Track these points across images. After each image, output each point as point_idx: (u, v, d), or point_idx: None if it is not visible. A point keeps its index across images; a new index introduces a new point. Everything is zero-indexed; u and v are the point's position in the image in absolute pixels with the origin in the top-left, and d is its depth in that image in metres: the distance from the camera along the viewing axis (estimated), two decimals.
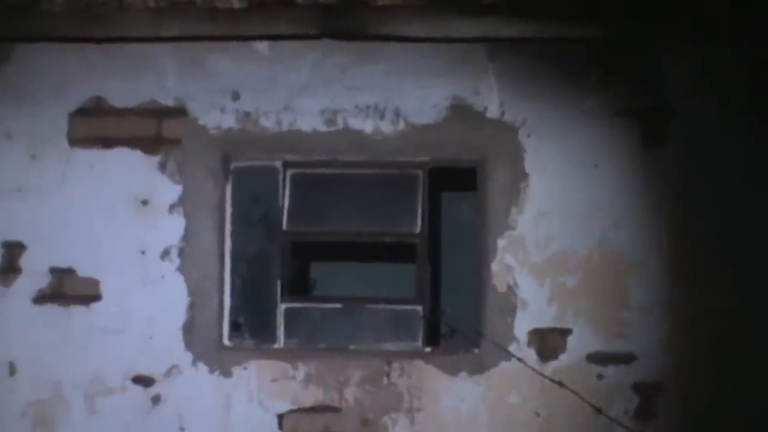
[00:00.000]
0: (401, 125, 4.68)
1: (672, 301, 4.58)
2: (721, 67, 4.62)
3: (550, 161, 4.65)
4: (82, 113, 4.75)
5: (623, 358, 4.56)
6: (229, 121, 4.73)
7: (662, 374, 4.55)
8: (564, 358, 4.58)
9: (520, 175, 4.64)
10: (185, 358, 4.67)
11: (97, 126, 4.74)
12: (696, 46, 4.60)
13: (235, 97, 4.74)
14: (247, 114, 4.73)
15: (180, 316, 4.70)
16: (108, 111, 4.74)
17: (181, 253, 4.71)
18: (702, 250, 4.59)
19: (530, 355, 4.59)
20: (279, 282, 4.77)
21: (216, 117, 4.74)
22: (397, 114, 4.69)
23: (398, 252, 4.90)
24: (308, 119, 4.71)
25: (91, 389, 4.68)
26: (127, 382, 4.69)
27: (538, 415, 4.56)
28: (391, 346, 4.69)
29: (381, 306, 4.74)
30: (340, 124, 4.71)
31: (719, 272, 4.57)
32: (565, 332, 4.59)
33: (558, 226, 4.62)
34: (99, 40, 4.71)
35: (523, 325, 4.60)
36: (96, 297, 4.71)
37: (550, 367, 4.57)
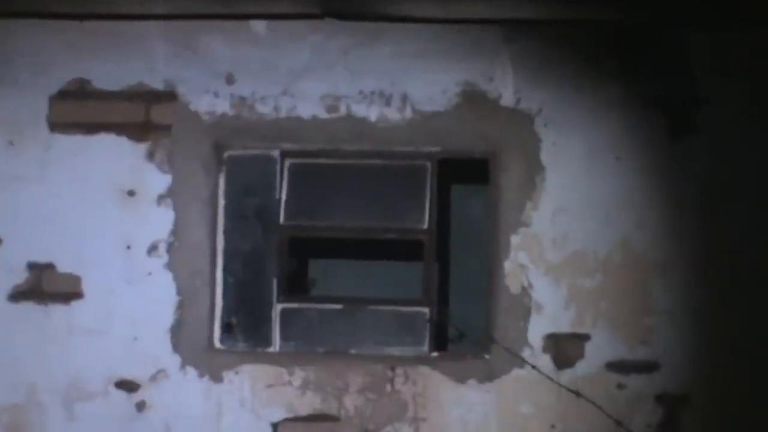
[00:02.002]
0: (408, 113, 4.60)
1: (699, 306, 4.51)
2: (755, 52, 4.53)
3: (569, 153, 4.56)
4: (63, 96, 4.68)
5: (646, 367, 4.49)
6: (223, 107, 4.66)
7: (688, 385, 4.48)
8: (581, 366, 4.50)
9: (535, 168, 4.56)
10: (173, 361, 4.61)
11: (80, 110, 4.66)
12: (728, 29, 4.52)
13: (230, 80, 4.66)
14: (243, 99, 4.65)
15: (168, 317, 4.62)
16: (92, 94, 4.67)
17: (170, 248, 4.64)
18: (733, 250, 4.50)
19: (545, 362, 4.51)
20: (275, 281, 4.70)
21: (209, 102, 4.66)
22: (404, 100, 4.61)
23: (404, 249, 4.87)
24: (308, 105, 4.63)
25: (70, 394, 4.62)
26: (110, 386, 4.61)
27: (553, 427, 4.49)
28: (394, 351, 4.62)
29: (384, 307, 4.68)
30: (343, 110, 4.62)
31: (752, 275, 4.49)
32: (583, 338, 4.51)
33: (576, 223, 4.54)
34: (82, 18, 4.64)
35: (537, 330, 4.52)
36: (77, 295, 4.64)
37: (567, 375, 4.50)
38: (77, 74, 4.68)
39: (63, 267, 4.65)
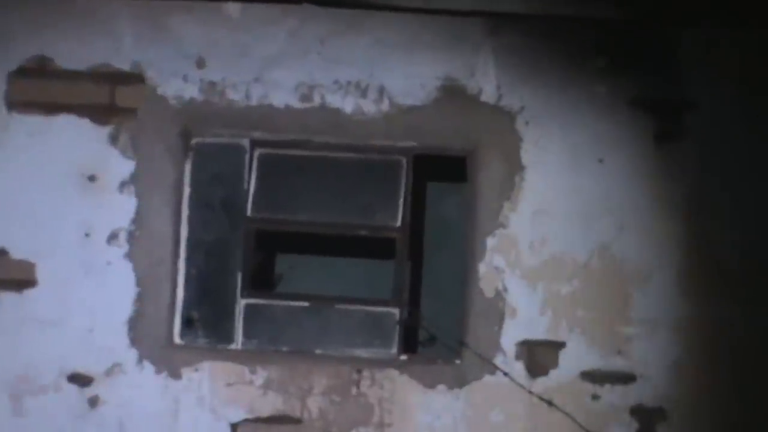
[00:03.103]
0: (385, 105, 4.53)
1: (680, 317, 4.44)
2: (746, 54, 4.46)
3: (550, 153, 4.50)
4: (23, 74, 4.56)
5: (622, 378, 4.43)
6: (192, 92, 4.56)
7: (665, 399, 4.42)
8: (555, 375, 4.44)
9: (515, 168, 4.50)
10: (129, 355, 4.51)
11: (40, 89, 4.55)
12: (719, 30, 4.46)
13: (200, 64, 4.57)
14: (213, 84, 4.56)
15: (126, 309, 4.53)
16: (54, 73, 4.55)
17: (131, 237, 4.55)
18: (718, 260, 4.44)
19: (518, 369, 4.44)
20: (240, 275, 4.62)
21: (177, 86, 4.56)
22: (381, 92, 4.54)
23: (375, 247, 4.83)
24: (281, 93, 4.55)
25: (19, 387, 4.51)
26: (62, 380, 4.51)
27: None
28: (362, 353, 4.56)
29: (353, 307, 4.61)
30: (317, 100, 4.55)
31: (737, 286, 4.43)
32: (557, 345, 4.45)
33: (555, 226, 4.48)
34: None
35: (511, 336, 4.46)
36: (30, 282, 4.53)
37: (540, 383, 4.44)
38: (38, 51, 4.56)
39: (16, 253, 4.54)
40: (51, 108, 4.55)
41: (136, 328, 4.52)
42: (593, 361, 4.43)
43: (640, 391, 4.42)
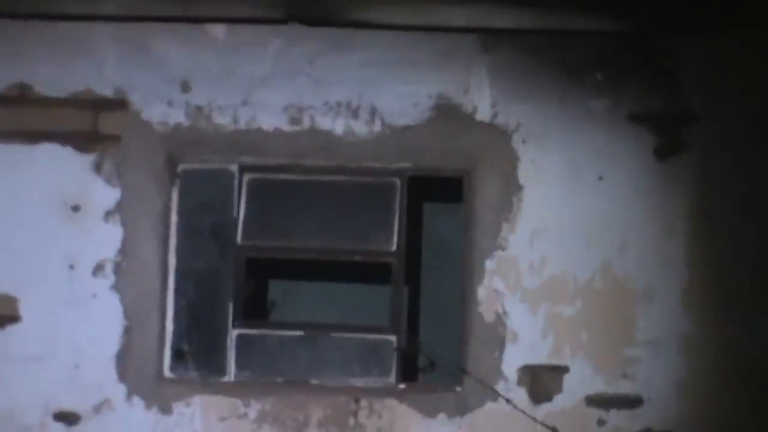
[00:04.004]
0: (377, 126, 4.53)
1: (686, 336, 4.43)
2: (748, 65, 4.47)
3: (548, 172, 4.50)
4: (2, 102, 4.56)
5: (628, 402, 4.41)
6: (178, 116, 4.56)
7: (674, 422, 4.40)
8: (559, 400, 4.42)
9: (512, 187, 4.49)
10: (118, 391, 4.47)
11: (20, 117, 4.55)
12: (719, 42, 4.46)
13: (185, 88, 4.57)
14: (199, 108, 4.57)
15: (113, 343, 4.49)
16: (34, 100, 4.55)
17: (117, 268, 4.53)
18: (723, 277, 4.43)
19: (520, 395, 4.42)
20: (231, 304, 4.60)
21: (162, 111, 4.56)
22: (373, 113, 4.54)
23: (371, 272, 4.81)
24: (270, 116, 4.54)
25: (2, 427, 4.46)
26: (47, 418, 4.47)
27: None
28: (359, 382, 4.53)
29: (349, 334, 4.60)
30: (307, 123, 4.55)
31: (743, 303, 4.41)
32: (561, 370, 4.43)
33: (556, 246, 4.47)
34: (26, 17, 4.53)
35: (512, 361, 4.43)
36: (14, 318, 4.50)
37: (544, 409, 4.41)
38: (18, 78, 4.56)
39: None
40: (32, 136, 4.55)
41: (124, 362, 4.49)
42: (598, 384, 4.42)
43: (647, 414, 4.41)
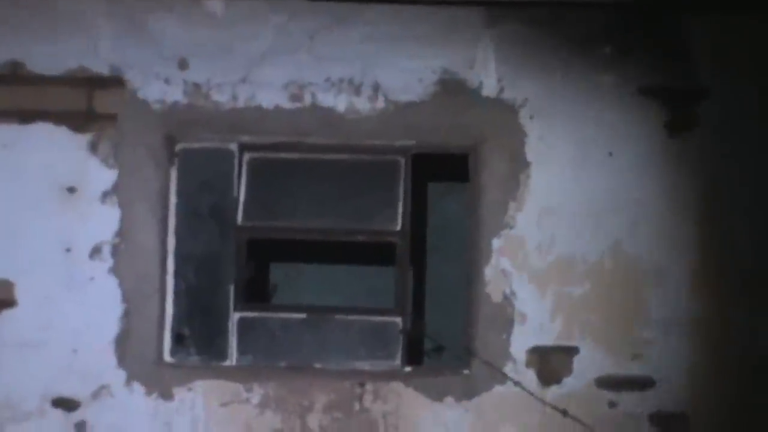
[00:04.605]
0: (380, 103, 4.51)
1: (698, 317, 4.42)
2: (760, 38, 4.44)
3: (556, 148, 4.48)
4: None
5: (639, 384, 4.40)
6: (175, 95, 4.54)
7: (685, 403, 4.40)
8: (569, 382, 4.41)
9: (520, 164, 4.48)
10: (117, 376, 4.46)
11: (13, 96, 4.51)
12: (732, 16, 4.44)
13: (183, 65, 4.54)
14: (197, 86, 4.55)
15: (112, 327, 4.49)
16: (27, 79, 4.52)
17: (115, 251, 4.51)
18: (736, 256, 4.41)
19: (529, 377, 4.41)
20: (232, 287, 4.59)
21: (159, 89, 4.54)
22: (376, 89, 4.52)
23: (375, 253, 4.81)
24: (270, 94, 4.53)
25: (1, 414, 4.45)
26: (46, 405, 4.46)
27: None
28: (364, 365, 4.52)
29: (353, 317, 4.58)
30: (308, 100, 4.53)
31: (756, 282, 4.39)
32: (570, 351, 4.42)
33: (564, 225, 4.46)
34: None
35: (521, 342, 4.42)
36: (9, 303, 4.48)
37: (553, 392, 4.40)
38: (10, 56, 4.53)
39: None
40: (25, 116, 4.54)
41: (123, 347, 4.48)
42: (608, 366, 4.41)
43: (659, 396, 4.40)
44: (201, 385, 4.43)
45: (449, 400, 4.40)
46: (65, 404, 4.44)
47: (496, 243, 4.44)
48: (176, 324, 4.57)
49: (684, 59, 4.44)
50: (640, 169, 4.44)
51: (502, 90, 4.47)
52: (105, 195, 4.49)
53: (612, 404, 4.37)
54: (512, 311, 4.42)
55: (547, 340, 4.41)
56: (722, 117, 4.44)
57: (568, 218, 4.44)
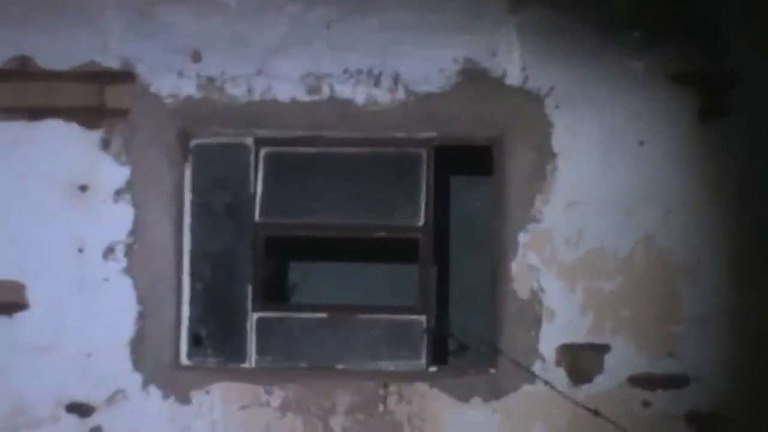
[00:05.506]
0: (401, 94, 4.46)
1: (734, 311, 4.34)
2: None
3: (584, 138, 4.41)
4: (2, 76, 4.48)
5: (674, 382, 4.34)
6: (189, 88, 4.49)
7: (722, 402, 4.33)
8: (601, 381, 4.35)
9: (546, 156, 4.41)
10: (133, 380, 4.43)
11: (22, 92, 4.48)
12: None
13: (196, 58, 4.49)
14: (211, 79, 4.49)
15: (126, 329, 4.44)
16: (36, 74, 4.47)
17: (129, 250, 4.46)
18: None
19: (559, 376, 4.37)
20: (250, 286, 4.56)
21: (172, 83, 4.49)
22: (396, 80, 4.46)
23: (397, 250, 4.77)
24: (286, 86, 4.47)
25: (13, 420, 4.42)
26: (60, 410, 4.42)
27: None
28: (387, 366, 4.50)
29: (375, 316, 4.56)
30: (326, 92, 4.48)
31: None
32: (602, 349, 4.37)
33: (593, 218, 4.39)
34: None
35: (549, 340, 4.38)
36: (21, 305, 4.45)
37: (584, 391, 4.35)
38: (18, 51, 4.48)
39: (4, 274, 4.44)
40: (34, 112, 4.48)
41: (138, 349, 4.43)
42: (642, 364, 4.33)
43: (694, 395, 4.33)
44: (219, 388, 4.38)
45: (476, 400, 4.34)
46: (79, 409, 4.40)
47: (522, 237, 4.38)
48: (193, 325, 4.53)
49: (715, 44, 4.36)
50: (672, 158, 4.36)
51: (526, 79, 4.41)
52: (118, 193, 4.45)
53: (645, 403, 4.30)
54: (540, 308, 4.36)
55: (577, 337, 4.35)
56: (756, 102, 4.35)
57: (598, 210, 4.37)
